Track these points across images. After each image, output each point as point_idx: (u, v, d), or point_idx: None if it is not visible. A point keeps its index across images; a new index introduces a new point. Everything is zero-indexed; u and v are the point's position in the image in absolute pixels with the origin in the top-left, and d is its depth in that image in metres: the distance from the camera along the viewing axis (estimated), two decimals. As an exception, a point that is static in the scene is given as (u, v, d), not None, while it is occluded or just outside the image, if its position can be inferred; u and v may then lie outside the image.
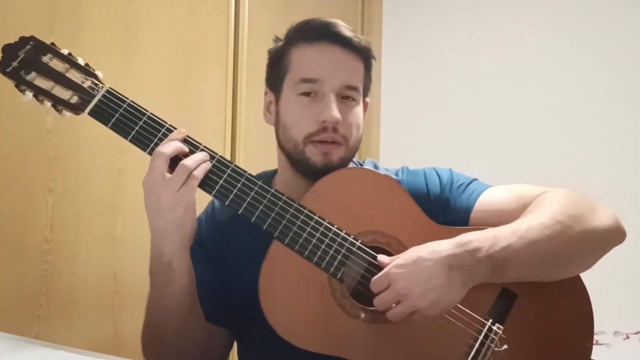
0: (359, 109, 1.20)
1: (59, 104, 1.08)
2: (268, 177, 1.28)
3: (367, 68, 1.22)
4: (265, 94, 1.25)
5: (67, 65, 1.09)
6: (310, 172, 1.16)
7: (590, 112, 2.36)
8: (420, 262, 1.01)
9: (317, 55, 1.18)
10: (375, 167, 1.28)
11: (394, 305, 1.02)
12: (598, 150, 2.33)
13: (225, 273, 1.20)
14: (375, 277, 1.03)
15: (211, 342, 1.21)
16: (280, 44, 1.23)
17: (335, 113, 1.14)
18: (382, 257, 1.06)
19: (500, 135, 2.47)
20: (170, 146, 1.06)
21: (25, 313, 1.41)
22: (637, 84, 2.32)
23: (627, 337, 2.01)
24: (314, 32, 1.20)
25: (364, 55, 1.20)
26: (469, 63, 2.57)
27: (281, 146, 1.21)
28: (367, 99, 1.26)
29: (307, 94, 1.16)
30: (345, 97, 1.17)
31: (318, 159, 1.15)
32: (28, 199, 1.43)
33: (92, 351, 1.02)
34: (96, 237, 1.55)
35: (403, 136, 2.65)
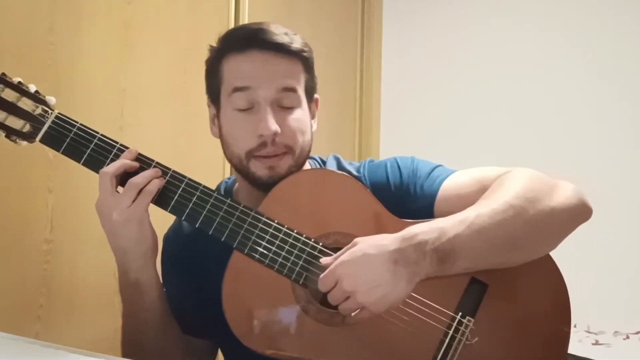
0: (300, 113, 1.15)
1: (12, 134, 1.08)
2: (229, 186, 1.27)
3: (307, 68, 1.18)
4: (208, 106, 1.23)
5: (19, 95, 1.08)
6: (260, 186, 1.15)
7: (590, 109, 2.36)
8: (365, 258, 1.00)
9: (248, 64, 1.14)
10: (339, 161, 1.26)
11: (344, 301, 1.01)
12: (598, 148, 2.33)
13: (197, 285, 1.19)
14: (322, 276, 1.02)
15: (191, 354, 1.21)
16: (213, 54, 1.20)
17: (272, 125, 1.10)
18: (324, 259, 1.04)
19: (500, 134, 2.47)
20: (113, 165, 1.06)
21: (25, 313, 1.41)
22: (636, 80, 2.32)
23: (627, 337, 2.01)
24: (243, 40, 1.15)
25: (300, 56, 1.16)
26: (469, 63, 2.57)
27: (228, 160, 1.19)
28: (316, 96, 1.22)
29: (243, 109, 1.13)
30: (283, 106, 1.13)
31: (264, 173, 1.13)
32: (28, 199, 1.43)
33: (92, 351, 1.02)
34: (96, 237, 1.54)
35: (403, 136, 2.65)
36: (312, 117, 1.21)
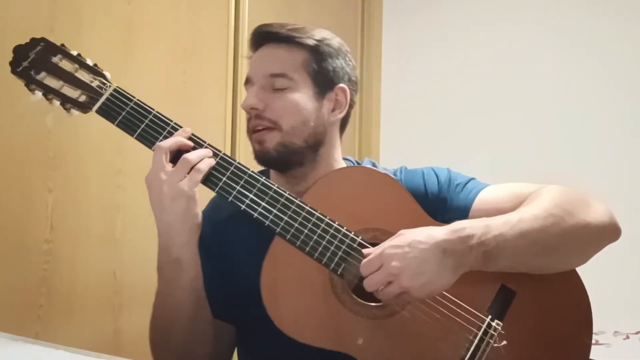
0: (295, 95, 1.20)
1: (67, 102, 1.10)
2: (267, 174, 1.29)
3: (316, 56, 1.22)
4: None
5: (77, 66, 1.12)
6: (258, 161, 1.21)
7: (592, 110, 2.36)
8: (414, 244, 1.03)
9: (254, 59, 1.24)
10: (374, 167, 1.29)
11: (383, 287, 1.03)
12: (599, 149, 2.33)
13: (227, 269, 1.21)
14: (366, 259, 1.04)
15: (218, 338, 1.21)
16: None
17: (249, 100, 1.18)
18: (367, 250, 1.07)
19: (500, 134, 2.47)
20: (169, 140, 1.10)
21: (25, 313, 1.41)
22: (634, 80, 2.32)
23: (627, 337, 2.01)
24: (254, 40, 1.25)
25: (303, 45, 1.21)
26: (469, 63, 2.57)
27: None
28: (341, 85, 1.24)
29: None
30: (276, 88, 1.19)
31: (256, 147, 1.20)
32: (28, 199, 1.43)
33: (92, 351, 1.02)
34: (96, 237, 1.55)
35: (403, 136, 2.65)
36: (333, 107, 1.24)
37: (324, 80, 1.23)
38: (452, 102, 2.58)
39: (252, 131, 1.21)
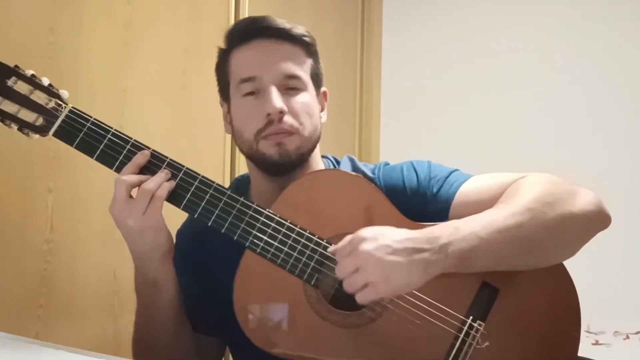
0: (306, 97, 1.17)
1: (24, 127, 1.08)
2: (245, 182, 1.27)
3: (311, 54, 1.20)
4: (221, 105, 1.25)
5: (32, 87, 1.08)
6: (271, 168, 1.15)
7: (591, 111, 2.36)
8: (385, 235, 0.98)
9: (253, 53, 1.17)
10: (354, 163, 1.26)
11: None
12: (598, 149, 2.33)
13: (207, 282, 1.19)
14: (338, 245, 1.00)
15: (201, 352, 1.21)
16: (220, 53, 1.23)
17: (277, 103, 1.12)
18: (332, 248, 1.03)
19: (500, 135, 2.47)
20: (131, 176, 1.06)
21: (25, 313, 1.41)
22: (633, 87, 2.33)
23: (627, 337, 2.01)
24: (246, 31, 1.19)
25: (302, 43, 1.19)
26: (469, 63, 2.57)
27: (241, 151, 1.21)
28: (324, 89, 1.24)
29: (250, 93, 1.15)
30: (289, 88, 1.15)
31: (273, 151, 1.13)
32: (28, 199, 1.43)
33: (92, 351, 1.02)
34: (96, 237, 1.55)
35: (403, 136, 2.65)
36: (322, 108, 1.23)
37: (317, 79, 1.21)
38: (452, 102, 2.58)
39: (271, 134, 1.13)
